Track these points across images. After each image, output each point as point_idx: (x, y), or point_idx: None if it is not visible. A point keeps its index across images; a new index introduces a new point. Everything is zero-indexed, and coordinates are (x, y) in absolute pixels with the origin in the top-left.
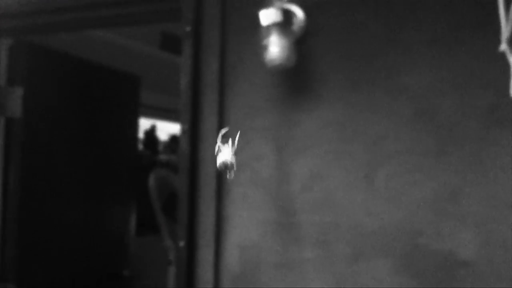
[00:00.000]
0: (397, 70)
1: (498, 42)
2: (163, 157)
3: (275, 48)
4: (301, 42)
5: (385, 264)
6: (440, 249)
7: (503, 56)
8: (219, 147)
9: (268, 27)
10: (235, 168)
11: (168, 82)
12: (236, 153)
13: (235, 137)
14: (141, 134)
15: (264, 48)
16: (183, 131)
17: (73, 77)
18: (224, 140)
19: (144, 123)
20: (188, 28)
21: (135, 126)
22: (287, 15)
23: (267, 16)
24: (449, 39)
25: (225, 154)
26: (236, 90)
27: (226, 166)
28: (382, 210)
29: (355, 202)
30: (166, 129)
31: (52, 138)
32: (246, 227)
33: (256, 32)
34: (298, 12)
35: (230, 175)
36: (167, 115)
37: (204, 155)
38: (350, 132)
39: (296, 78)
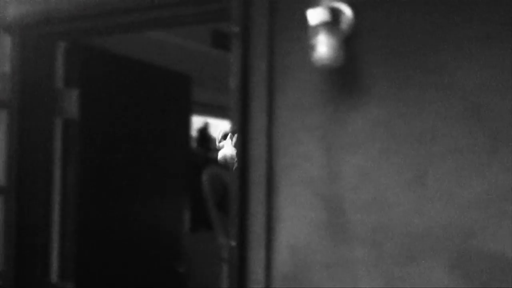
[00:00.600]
0: (448, 67)
1: None
2: (216, 154)
3: (323, 47)
4: (349, 41)
5: (436, 265)
6: (493, 250)
7: None
8: (220, 142)
9: (316, 27)
10: (235, 160)
11: (221, 79)
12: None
13: (234, 134)
14: (194, 132)
15: (312, 47)
16: (233, 131)
17: (126, 78)
18: (225, 136)
19: (197, 121)
20: (236, 29)
21: (187, 124)
22: (335, 14)
23: (315, 15)
24: (501, 35)
25: (226, 148)
26: (285, 89)
27: (226, 159)
28: (433, 210)
29: (406, 202)
30: (220, 126)
31: (107, 137)
32: (296, 227)
33: (304, 32)
34: (346, 11)
35: (232, 167)
36: (220, 112)
37: (254, 155)
38: (400, 131)
39: (345, 77)
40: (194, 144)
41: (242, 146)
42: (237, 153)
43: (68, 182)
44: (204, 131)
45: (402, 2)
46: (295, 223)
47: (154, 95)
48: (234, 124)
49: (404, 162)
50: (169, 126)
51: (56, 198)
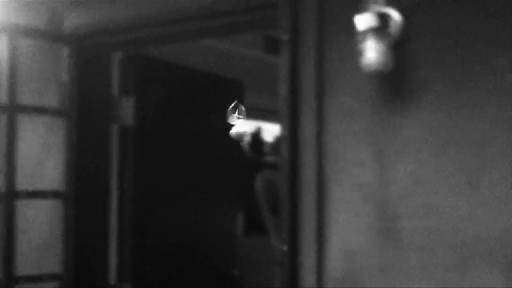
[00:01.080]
0: (502, 71)
1: None
2: (269, 158)
3: (372, 53)
4: (398, 45)
5: (490, 272)
6: None
7: None
8: (233, 118)
9: (364, 32)
10: (248, 136)
11: (273, 84)
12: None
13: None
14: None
15: (361, 53)
16: (283, 137)
17: (180, 85)
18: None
19: (250, 125)
20: (285, 36)
21: None
22: (384, 19)
23: (363, 21)
24: None
25: (239, 125)
26: (334, 95)
27: (238, 135)
28: (487, 216)
29: (459, 208)
30: (272, 131)
31: (162, 143)
32: (347, 232)
33: (353, 37)
34: (395, 15)
35: (244, 143)
36: (273, 116)
37: (304, 160)
38: (452, 135)
39: (395, 82)
40: (247, 149)
41: (292, 151)
42: (287, 159)
43: (124, 187)
44: (256, 136)
45: (452, 5)
46: (347, 229)
47: (207, 101)
48: (283, 130)
49: (457, 167)
50: (222, 131)
51: (114, 203)
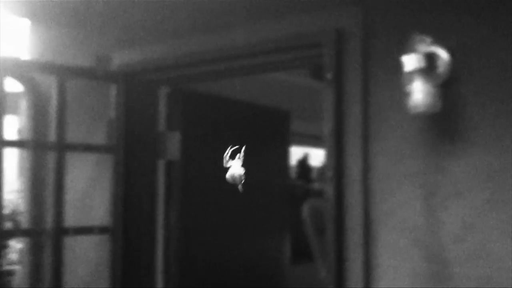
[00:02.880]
0: None
1: None
2: (316, 185)
3: (419, 94)
4: (446, 86)
5: None
6: None
7: None
8: (228, 161)
9: (411, 73)
10: (243, 180)
11: (320, 109)
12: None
13: (242, 152)
14: (294, 162)
15: (407, 94)
16: (328, 177)
17: (225, 117)
18: (233, 156)
19: (297, 152)
20: (329, 75)
21: (286, 158)
22: (431, 59)
23: (410, 61)
24: None
25: (234, 167)
26: (380, 135)
27: (234, 179)
28: None
29: None
30: (320, 156)
31: (208, 175)
32: (395, 276)
33: (399, 78)
34: (443, 55)
35: (240, 188)
36: (320, 142)
37: (350, 202)
38: (505, 179)
39: (443, 123)
40: (293, 176)
41: (337, 192)
42: (333, 200)
43: (170, 220)
44: (303, 163)
45: (501, 44)
46: (394, 272)
47: (253, 132)
48: (329, 169)
49: (510, 212)
50: (268, 160)
51: (160, 235)
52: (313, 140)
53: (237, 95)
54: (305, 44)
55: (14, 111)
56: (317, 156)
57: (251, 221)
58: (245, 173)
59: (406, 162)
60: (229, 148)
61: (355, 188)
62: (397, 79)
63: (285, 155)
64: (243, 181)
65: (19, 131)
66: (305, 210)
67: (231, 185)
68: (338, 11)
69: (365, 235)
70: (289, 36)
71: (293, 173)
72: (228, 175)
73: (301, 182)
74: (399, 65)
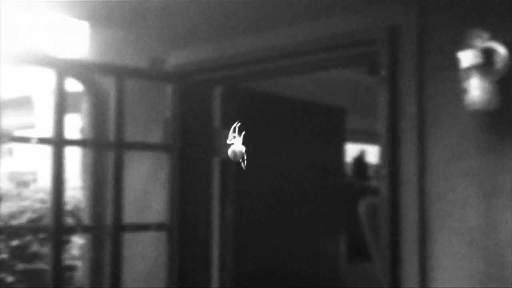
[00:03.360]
0: None
1: None
2: (373, 183)
3: (476, 91)
4: (505, 82)
5: None
6: None
7: None
8: (231, 138)
9: (468, 69)
10: (245, 157)
11: (377, 106)
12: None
13: (241, 130)
14: (350, 159)
15: (464, 91)
16: (383, 176)
17: (279, 115)
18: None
19: (353, 149)
20: (383, 73)
21: (341, 155)
22: (488, 54)
23: (467, 58)
24: None
25: (236, 144)
26: (437, 134)
27: (235, 155)
28: None
29: None
30: (377, 154)
31: (263, 173)
32: (451, 277)
33: (455, 75)
34: (501, 50)
35: (243, 164)
36: (377, 139)
37: (405, 201)
38: None
39: (501, 120)
40: (349, 173)
41: (392, 191)
42: (387, 199)
43: (226, 217)
44: (359, 160)
45: None
46: (450, 274)
47: (308, 130)
48: (383, 168)
49: None
50: (322, 158)
51: (215, 232)
52: (370, 137)
53: (292, 92)
54: (359, 42)
55: (77, 110)
56: (374, 153)
57: (306, 219)
58: (245, 151)
59: (464, 160)
60: (235, 124)
61: (410, 187)
62: (454, 75)
63: (340, 153)
64: (244, 158)
65: (82, 130)
66: (361, 208)
67: (286, 182)
68: (392, 7)
69: (421, 235)
70: (343, 33)
71: (349, 171)
72: (229, 151)
73: (357, 179)
74: (455, 62)
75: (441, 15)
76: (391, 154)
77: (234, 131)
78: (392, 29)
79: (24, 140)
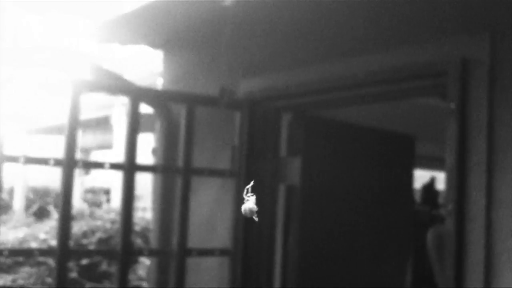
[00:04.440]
0: None
1: None
2: (443, 211)
3: None
4: None
5: None
6: None
7: None
8: (245, 197)
9: None
10: (255, 215)
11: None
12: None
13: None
14: (419, 186)
15: None
16: (448, 212)
17: (346, 143)
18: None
19: (423, 175)
20: (453, 105)
21: (410, 185)
22: None
23: None
24: None
25: (249, 202)
26: (506, 168)
27: (246, 212)
28: None
29: None
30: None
31: (327, 201)
32: None
33: None
34: None
35: (255, 219)
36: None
37: (472, 237)
38: None
39: None
40: (419, 200)
41: (458, 226)
42: (453, 235)
43: (289, 244)
44: (429, 187)
45: None
46: None
47: (375, 158)
48: (449, 203)
49: None
50: (390, 186)
51: (278, 259)
52: (441, 163)
53: (361, 118)
54: (429, 73)
55: (152, 129)
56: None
57: (372, 247)
58: (257, 210)
59: None
60: (250, 184)
61: (477, 223)
62: None
63: (409, 182)
64: (255, 216)
65: (154, 151)
66: (429, 237)
67: (353, 210)
68: (464, 38)
69: (487, 273)
70: (413, 64)
71: (418, 198)
72: (242, 208)
73: (426, 207)
74: None
75: None
76: (458, 189)
77: (247, 192)
78: (463, 61)
79: (98, 165)
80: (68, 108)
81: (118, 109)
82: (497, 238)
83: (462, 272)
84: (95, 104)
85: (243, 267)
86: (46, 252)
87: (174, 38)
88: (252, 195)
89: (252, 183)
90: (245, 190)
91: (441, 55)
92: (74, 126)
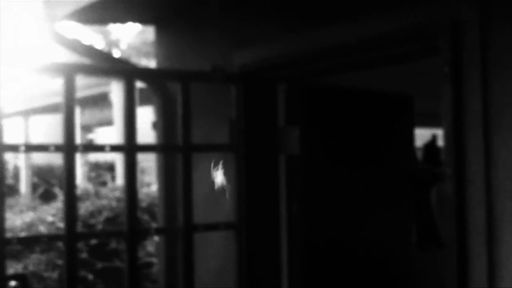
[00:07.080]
0: None
1: None
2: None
3: None
4: None
5: None
6: None
7: None
8: (215, 173)
9: None
10: (227, 187)
11: None
12: (500, 197)
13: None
14: (421, 144)
15: None
16: (447, 175)
17: (344, 108)
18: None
19: (425, 134)
20: (446, 69)
21: (411, 145)
22: None
23: None
24: None
25: (218, 177)
26: (504, 130)
27: (218, 186)
28: None
29: None
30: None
31: (329, 167)
32: None
33: None
34: None
35: (227, 195)
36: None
37: (471, 200)
38: None
39: None
40: (421, 159)
41: (458, 190)
42: (452, 198)
43: (293, 213)
44: (431, 145)
45: None
46: None
47: (374, 120)
48: (448, 167)
49: None
50: (390, 147)
51: (283, 228)
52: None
53: (359, 81)
54: (420, 37)
55: (151, 102)
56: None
57: (375, 210)
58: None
59: None
60: (218, 164)
61: (477, 186)
62: None
63: (409, 141)
64: (227, 189)
65: (154, 125)
66: (434, 196)
67: (354, 175)
68: (454, 1)
69: (489, 235)
70: (403, 28)
71: (420, 157)
72: (216, 186)
73: (429, 165)
74: None
75: (506, 7)
76: (455, 153)
77: (217, 168)
78: (455, 24)
79: (98, 149)
80: (63, 92)
81: (117, 85)
82: (498, 200)
83: (464, 234)
84: (94, 81)
85: (248, 239)
86: (54, 237)
87: (165, 14)
88: (220, 170)
89: (221, 161)
90: (213, 167)
91: (432, 18)
92: (71, 111)
